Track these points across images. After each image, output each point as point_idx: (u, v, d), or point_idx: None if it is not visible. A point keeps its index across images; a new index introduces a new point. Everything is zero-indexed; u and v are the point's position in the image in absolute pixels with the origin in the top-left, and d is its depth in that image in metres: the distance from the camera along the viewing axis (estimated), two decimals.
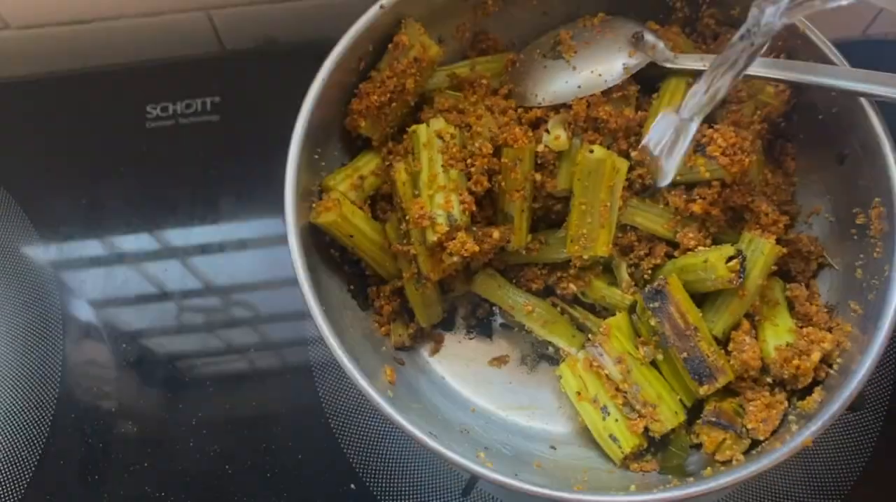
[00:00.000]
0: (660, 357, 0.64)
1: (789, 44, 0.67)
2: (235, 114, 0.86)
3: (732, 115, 0.67)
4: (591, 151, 0.64)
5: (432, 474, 0.72)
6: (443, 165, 0.64)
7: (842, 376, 0.59)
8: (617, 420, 0.64)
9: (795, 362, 0.61)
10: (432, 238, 0.62)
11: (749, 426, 0.61)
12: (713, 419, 0.61)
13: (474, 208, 0.65)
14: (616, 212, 0.66)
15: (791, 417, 0.62)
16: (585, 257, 0.66)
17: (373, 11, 0.66)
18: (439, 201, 0.63)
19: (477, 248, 0.63)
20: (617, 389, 0.64)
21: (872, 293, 0.62)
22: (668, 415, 0.63)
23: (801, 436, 0.56)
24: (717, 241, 0.67)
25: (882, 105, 0.63)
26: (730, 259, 0.62)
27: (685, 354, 0.62)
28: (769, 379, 0.64)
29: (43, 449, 0.73)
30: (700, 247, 0.65)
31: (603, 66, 0.67)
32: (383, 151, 0.70)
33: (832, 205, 0.69)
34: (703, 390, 0.62)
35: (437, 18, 0.71)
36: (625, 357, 0.64)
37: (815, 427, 0.56)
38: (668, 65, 0.67)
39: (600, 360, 0.65)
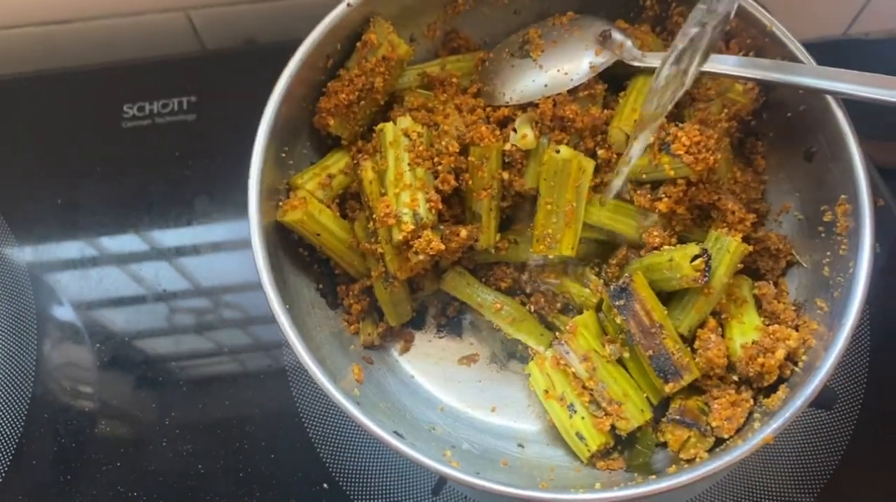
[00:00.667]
0: (626, 355, 0.64)
1: (758, 42, 0.68)
2: (212, 113, 0.86)
3: (699, 112, 0.67)
4: (558, 151, 0.64)
5: (404, 473, 0.72)
6: (409, 164, 0.64)
7: (806, 374, 0.59)
8: (583, 418, 0.64)
9: (760, 360, 0.61)
10: (398, 236, 0.62)
11: (713, 424, 0.61)
12: (677, 417, 0.61)
13: (441, 206, 0.64)
14: (582, 213, 0.66)
15: (756, 415, 0.62)
16: (551, 257, 0.66)
17: (340, 9, 0.66)
18: (405, 199, 0.63)
19: (443, 247, 0.63)
20: (584, 387, 0.64)
21: (838, 290, 0.62)
22: (635, 413, 0.63)
23: (762, 433, 0.56)
24: (683, 240, 0.67)
25: (848, 103, 0.63)
26: (695, 258, 0.62)
27: (650, 352, 0.62)
28: (735, 377, 0.64)
29: (16, 448, 0.73)
30: (665, 246, 0.65)
31: (569, 64, 0.67)
32: (352, 150, 0.70)
33: (801, 202, 0.69)
34: (668, 388, 0.62)
35: (407, 17, 0.72)
36: (591, 355, 0.64)
37: (776, 424, 0.56)
38: (636, 63, 0.67)
39: (567, 358, 0.65)
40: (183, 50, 0.95)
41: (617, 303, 0.63)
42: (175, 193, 0.84)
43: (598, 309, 0.68)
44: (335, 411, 0.74)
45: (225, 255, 0.82)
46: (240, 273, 0.81)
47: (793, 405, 0.56)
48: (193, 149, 0.85)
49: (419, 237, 0.62)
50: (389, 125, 0.65)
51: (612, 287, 0.64)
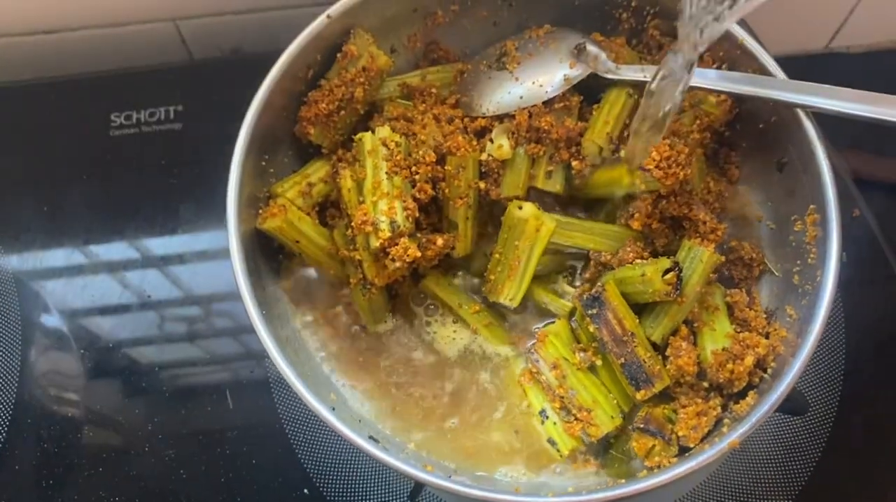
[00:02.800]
0: (599, 362, 0.65)
1: (730, 55, 0.69)
2: (198, 122, 0.87)
3: (672, 124, 0.68)
4: (521, 208, 0.65)
5: (384, 479, 0.72)
6: (387, 172, 0.65)
7: (774, 380, 0.60)
8: (555, 423, 0.65)
9: (730, 366, 0.62)
10: (375, 243, 0.63)
11: (680, 433, 0.61)
12: (642, 425, 0.62)
13: (418, 215, 0.65)
14: (531, 270, 0.66)
15: (726, 420, 0.62)
16: (490, 300, 0.68)
17: (319, 21, 0.67)
18: (383, 207, 0.64)
19: (419, 254, 0.64)
20: (555, 394, 0.65)
21: (806, 299, 0.63)
22: (604, 420, 0.63)
23: (729, 438, 0.57)
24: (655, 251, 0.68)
25: (818, 115, 0.64)
26: (666, 271, 0.62)
27: (622, 360, 0.63)
28: (706, 384, 0.65)
29: None
30: (638, 260, 0.65)
31: (545, 76, 0.68)
32: (333, 159, 0.71)
33: (773, 212, 0.71)
34: (639, 395, 0.63)
35: (388, 28, 0.73)
36: (560, 362, 0.65)
37: (742, 429, 0.57)
38: (610, 76, 0.68)
39: (538, 366, 0.66)
40: (170, 59, 0.96)
41: (589, 312, 0.64)
42: (161, 201, 0.84)
43: (570, 316, 0.69)
44: (316, 418, 0.73)
45: (210, 263, 0.83)
46: (224, 281, 0.81)
47: (759, 410, 0.57)
48: (180, 157, 0.86)
49: (396, 245, 0.63)
50: (368, 135, 0.66)
51: (584, 296, 0.64)
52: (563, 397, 0.65)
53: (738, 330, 0.66)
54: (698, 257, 0.64)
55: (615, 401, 0.65)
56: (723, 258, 0.66)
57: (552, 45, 0.70)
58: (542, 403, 0.65)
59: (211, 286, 0.82)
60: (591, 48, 0.68)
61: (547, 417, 0.65)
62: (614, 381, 0.65)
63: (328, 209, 0.72)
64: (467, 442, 0.67)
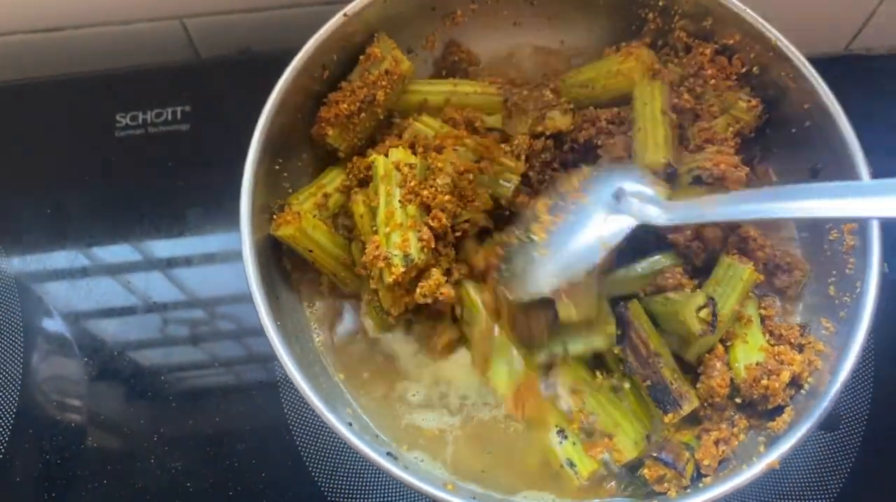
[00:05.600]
0: (626, 385, 0.63)
1: (762, 58, 0.67)
2: (205, 123, 0.85)
3: (704, 132, 0.66)
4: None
5: (398, 491, 0.70)
6: (400, 201, 0.62)
7: (812, 397, 0.58)
8: (574, 444, 0.62)
9: (765, 382, 0.59)
10: (388, 279, 0.60)
11: (704, 462, 0.59)
12: (655, 454, 0.59)
13: (434, 244, 0.62)
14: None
15: (761, 438, 0.60)
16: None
17: (336, 19, 0.65)
18: (396, 240, 0.60)
19: (452, 293, 0.61)
20: (574, 416, 0.63)
21: (844, 311, 0.61)
22: (628, 445, 0.61)
23: (768, 458, 0.55)
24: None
25: (852, 119, 0.62)
26: (700, 308, 0.60)
27: (648, 382, 0.60)
28: (738, 400, 0.62)
29: None
30: (671, 293, 0.62)
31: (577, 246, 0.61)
32: (349, 167, 0.68)
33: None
34: (667, 418, 0.60)
35: (405, 28, 0.71)
36: (579, 386, 0.63)
37: (782, 449, 0.55)
38: (660, 223, 0.59)
39: (555, 390, 0.64)
40: (177, 59, 0.94)
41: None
42: (167, 204, 0.82)
43: None
44: (326, 428, 0.72)
45: (217, 266, 0.81)
46: (232, 284, 0.79)
47: (799, 430, 0.55)
48: (187, 159, 0.84)
49: (413, 276, 0.60)
50: (381, 159, 0.64)
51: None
52: (582, 421, 0.62)
53: (772, 342, 0.63)
54: (738, 275, 0.62)
55: (639, 425, 0.62)
56: (762, 277, 0.64)
57: (589, 199, 0.62)
58: (560, 424, 0.63)
59: (218, 289, 0.80)
60: (632, 188, 0.61)
61: (566, 438, 0.62)
62: (641, 403, 0.63)
63: (340, 217, 0.69)
64: (486, 461, 0.65)
